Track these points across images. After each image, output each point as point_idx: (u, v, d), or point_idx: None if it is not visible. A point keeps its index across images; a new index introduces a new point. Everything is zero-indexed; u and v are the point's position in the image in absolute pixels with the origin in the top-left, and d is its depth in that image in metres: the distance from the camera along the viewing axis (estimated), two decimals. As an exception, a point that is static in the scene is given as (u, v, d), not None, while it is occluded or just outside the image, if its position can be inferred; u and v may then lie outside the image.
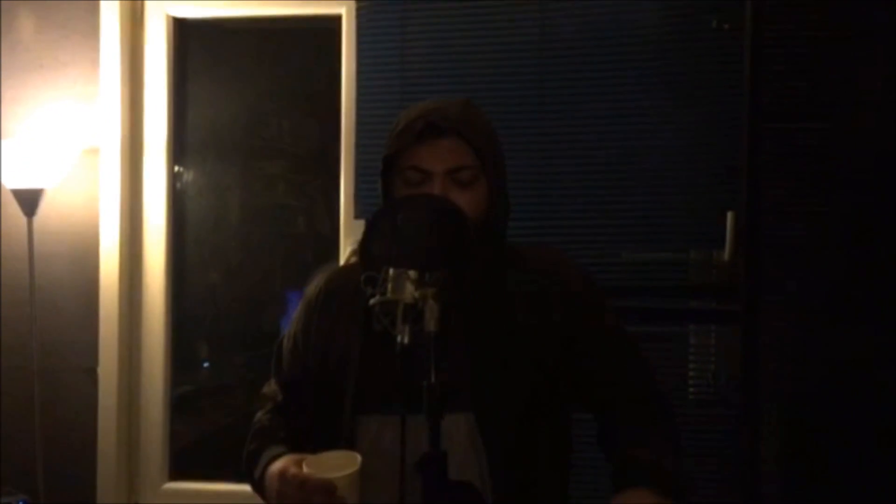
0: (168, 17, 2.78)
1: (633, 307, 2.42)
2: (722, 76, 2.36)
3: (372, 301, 1.10)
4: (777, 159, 2.32)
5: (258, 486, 1.32)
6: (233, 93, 2.96)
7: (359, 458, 1.20)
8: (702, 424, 2.38)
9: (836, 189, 2.31)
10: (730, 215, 2.32)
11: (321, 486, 1.16)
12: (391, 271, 1.10)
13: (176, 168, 2.86)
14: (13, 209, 2.59)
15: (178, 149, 2.86)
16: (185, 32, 2.85)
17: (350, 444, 1.28)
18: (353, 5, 2.54)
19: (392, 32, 2.50)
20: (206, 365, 3.17)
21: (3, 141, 2.61)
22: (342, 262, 2.53)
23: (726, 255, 2.33)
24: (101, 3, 2.68)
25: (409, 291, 1.08)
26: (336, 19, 2.66)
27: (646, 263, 2.43)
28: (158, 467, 2.79)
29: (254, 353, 2.92)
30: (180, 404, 2.92)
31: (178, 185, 2.89)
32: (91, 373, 2.71)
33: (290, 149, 3.21)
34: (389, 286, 1.09)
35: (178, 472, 2.83)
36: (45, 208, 2.62)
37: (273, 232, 3.16)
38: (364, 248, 1.21)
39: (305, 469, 1.20)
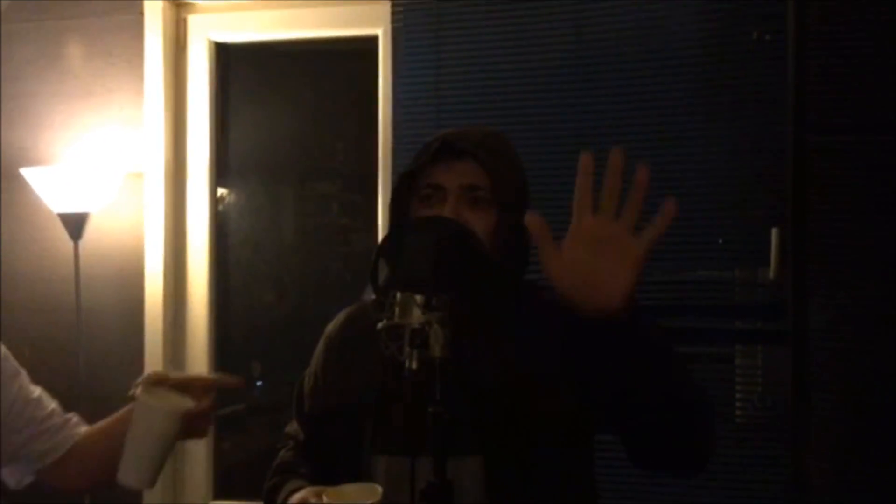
0: (210, 42, 2.83)
1: (677, 327, 2.38)
2: (765, 88, 2.30)
3: (379, 325, 1.08)
4: (825, 173, 2.25)
5: None
6: (274, 114, 3.02)
7: (379, 489, 1.18)
8: (748, 448, 2.31)
9: (885, 203, 2.22)
10: (774, 232, 2.26)
11: None
12: (398, 295, 1.08)
13: (219, 190, 2.91)
14: (59, 233, 2.64)
15: (221, 171, 2.91)
16: (227, 57, 2.90)
17: (369, 480, 1.25)
18: (388, 27, 2.56)
19: (427, 51, 2.51)
20: (258, 384, 3.20)
21: (49, 166, 2.68)
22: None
23: (771, 273, 2.27)
24: (146, 30, 2.74)
25: (417, 316, 1.06)
26: (373, 40, 2.68)
27: (690, 283, 2.37)
28: (203, 488, 2.82)
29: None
30: (229, 424, 2.95)
31: (221, 207, 2.94)
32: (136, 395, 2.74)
33: (337, 168, 3.24)
34: (397, 310, 1.07)
35: (223, 491, 2.86)
36: (90, 232, 2.66)
37: (319, 252, 3.19)
38: (372, 272, 1.20)
39: (325, 500, 1.19)
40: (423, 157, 1.29)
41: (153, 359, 2.74)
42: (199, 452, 2.82)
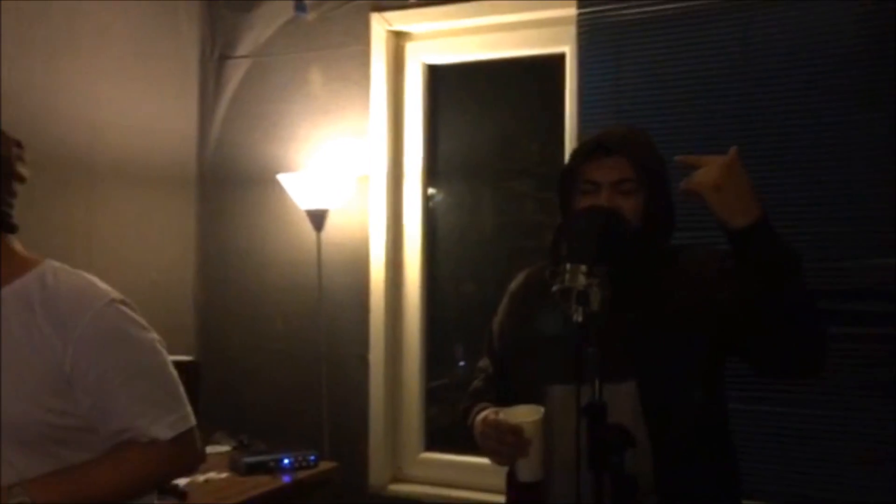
0: (423, 64, 3.24)
1: (841, 310, 2.55)
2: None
3: (553, 288, 1.41)
4: None
5: (470, 432, 1.68)
6: (475, 123, 3.31)
7: (542, 409, 1.52)
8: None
9: None
10: (931, 221, 2.39)
11: (511, 428, 1.49)
12: (568, 266, 1.40)
13: (429, 190, 3.29)
14: (306, 226, 3.08)
15: (431, 173, 3.28)
16: (437, 76, 3.27)
17: (540, 404, 1.57)
18: (574, 45, 2.86)
19: (607, 65, 2.80)
20: (461, 364, 3.57)
21: (297, 172, 3.14)
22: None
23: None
24: (371, 57, 3.18)
25: (581, 281, 1.38)
26: (561, 57, 3.01)
27: (854, 269, 2.52)
28: (416, 440, 3.24)
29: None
30: (436, 394, 3.31)
31: (431, 204, 3.31)
32: (363, 359, 3.15)
33: (531, 169, 3.47)
34: (567, 277, 1.39)
35: (432, 446, 3.26)
36: (329, 225, 3.08)
37: (519, 245, 3.36)
38: (551, 249, 1.59)
39: (501, 416, 1.53)
40: (580, 156, 1.61)
41: (376, 332, 3.16)
42: (412, 414, 3.24)
